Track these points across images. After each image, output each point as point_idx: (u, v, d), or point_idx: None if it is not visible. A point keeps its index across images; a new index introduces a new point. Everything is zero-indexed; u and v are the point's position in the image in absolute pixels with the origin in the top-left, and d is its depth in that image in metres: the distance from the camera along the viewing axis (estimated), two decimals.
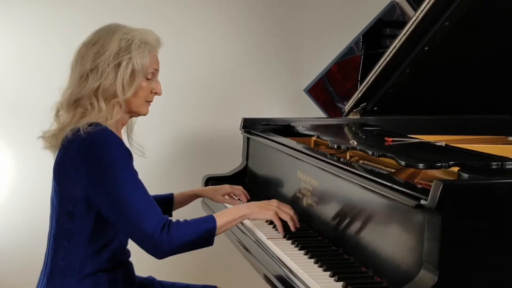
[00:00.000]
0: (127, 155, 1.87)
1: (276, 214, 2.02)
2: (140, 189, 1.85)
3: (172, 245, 1.83)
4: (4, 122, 3.36)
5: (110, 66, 1.88)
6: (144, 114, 2.01)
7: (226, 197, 2.48)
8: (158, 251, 1.84)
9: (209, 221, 1.91)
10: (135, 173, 1.87)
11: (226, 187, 2.50)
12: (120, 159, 1.83)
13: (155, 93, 2.01)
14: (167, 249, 1.83)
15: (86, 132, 1.83)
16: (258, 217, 2.04)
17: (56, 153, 1.95)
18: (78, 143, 1.84)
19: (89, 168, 1.83)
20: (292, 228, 2.03)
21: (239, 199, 2.51)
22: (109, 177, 1.81)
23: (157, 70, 2.00)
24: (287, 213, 2.04)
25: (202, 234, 1.88)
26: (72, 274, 1.88)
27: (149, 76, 1.97)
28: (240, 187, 2.51)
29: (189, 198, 2.46)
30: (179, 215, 2.81)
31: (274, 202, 2.06)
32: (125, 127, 2.06)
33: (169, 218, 1.87)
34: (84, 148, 1.83)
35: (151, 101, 2.01)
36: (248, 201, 2.48)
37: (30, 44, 3.33)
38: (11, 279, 3.39)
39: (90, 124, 1.85)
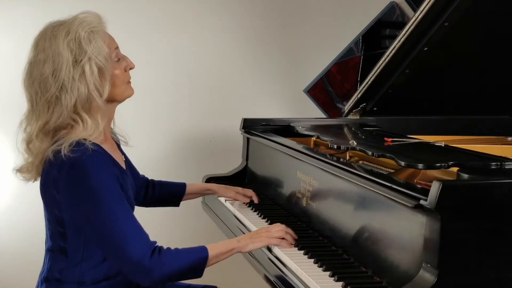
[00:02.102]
0: (113, 177, 1.77)
1: (269, 238, 1.95)
2: (125, 215, 1.74)
3: (163, 271, 1.74)
4: (6, 124, 3.35)
5: (76, 78, 1.74)
6: (131, 95, 1.90)
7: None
8: (148, 277, 1.74)
9: (202, 250, 1.82)
10: (120, 197, 1.76)
11: (239, 189, 2.50)
12: (102, 185, 1.72)
13: (130, 68, 1.89)
14: (157, 275, 1.74)
15: (67, 156, 1.71)
16: (252, 248, 1.93)
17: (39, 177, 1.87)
18: (58, 166, 1.74)
19: (72, 195, 1.74)
20: (292, 241, 1.98)
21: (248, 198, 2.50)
22: (92, 205, 1.72)
23: (117, 48, 1.87)
24: (279, 230, 1.97)
25: (193, 263, 1.79)
26: (70, 283, 1.84)
27: (116, 59, 1.84)
28: (250, 190, 2.50)
29: (200, 190, 2.46)
30: (180, 213, 2.82)
31: (262, 229, 1.98)
32: None
33: (156, 243, 1.78)
34: (64, 173, 1.73)
35: (130, 79, 1.89)
36: (250, 202, 2.48)
37: (30, 44, 3.33)
38: (13, 279, 3.39)
39: (71, 144, 1.73)
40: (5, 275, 3.41)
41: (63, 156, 1.72)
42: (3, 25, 3.32)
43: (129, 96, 1.90)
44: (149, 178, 2.36)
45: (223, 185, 2.52)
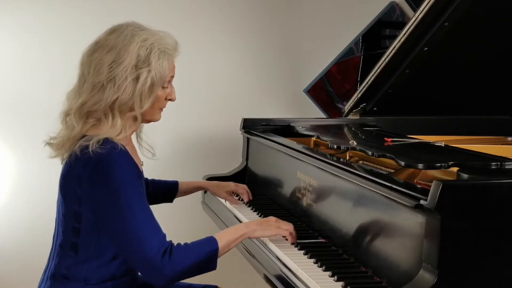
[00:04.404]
0: (135, 176, 1.81)
1: (279, 228, 1.97)
2: (144, 213, 1.77)
3: (175, 270, 1.75)
4: (5, 123, 3.36)
5: (128, 80, 1.79)
6: (157, 120, 1.95)
7: (228, 194, 2.50)
8: (160, 277, 1.75)
9: (211, 242, 1.83)
10: (141, 195, 1.80)
11: (231, 185, 2.52)
12: (126, 181, 1.76)
13: (169, 99, 1.94)
14: (169, 274, 1.75)
15: (95, 152, 1.75)
16: (260, 235, 1.96)
17: (63, 163, 1.89)
18: (85, 162, 1.77)
19: (94, 189, 1.77)
20: (292, 241, 2.00)
21: (240, 199, 2.52)
22: (113, 199, 1.75)
23: (173, 77, 1.92)
24: (288, 225, 2.00)
25: (205, 257, 1.80)
26: (76, 281, 1.85)
27: (166, 85, 1.90)
28: (244, 186, 2.53)
29: (193, 188, 2.48)
30: (180, 213, 2.82)
31: (272, 218, 2.01)
32: None
33: (172, 242, 1.79)
34: (90, 168, 1.76)
35: (164, 107, 1.95)
36: (249, 201, 2.49)
37: (31, 44, 3.34)
38: (12, 278, 3.40)
39: (99, 141, 1.77)
40: (4, 273, 3.41)
41: (90, 152, 1.75)
42: (8, 26, 3.32)
43: (155, 121, 1.95)
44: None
45: (215, 182, 2.54)
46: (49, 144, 1.92)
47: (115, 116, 1.82)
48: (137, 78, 1.80)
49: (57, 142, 1.89)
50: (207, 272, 1.84)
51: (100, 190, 1.76)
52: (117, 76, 1.79)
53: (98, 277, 1.84)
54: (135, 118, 1.87)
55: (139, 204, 1.77)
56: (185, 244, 1.81)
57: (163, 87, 1.89)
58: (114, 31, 1.86)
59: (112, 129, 1.81)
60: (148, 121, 1.95)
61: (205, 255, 1.81)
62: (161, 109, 1.94)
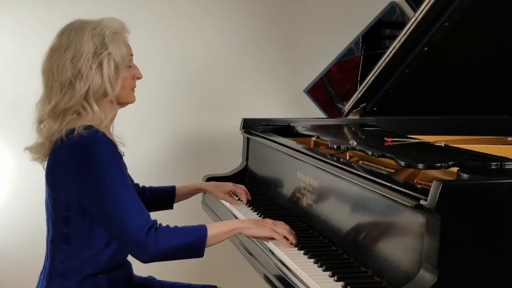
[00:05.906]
0: (118, 158, 1.85)
1: (274, 231, 1.97)
2: (128, 192, 1.81)
3: (158, 247, 1.78)
4: (5, 123, 3.36)
5: (93, 68, 1.85)
6: (133, 102, 2.00)
7: (227, 195, 2.50)
8: (143, 253, 1.79)
9: (201, 229, 1.86)
10: (124, 176, 1.84)
11: (229, 185, 2.52)
12: (109, 161, 1.80)
13: (137, 78, 2.00)
14: (153, 251, 1.78)
15: (80, 134, 1.80)
16: (254, 234, 1.97)
17: (47, 159, 1.92)
18: (69, 146, 1.81)
19: (79, 170, 1.80)
20: (293, 241, 1.99)
21: (239, 199, 2.52)
22: (97, 180, 1.78)
23: (132, 55, 1.98)
24: (283, 228, 2.00)
25: (191, 241, 1.83)
26: (71, 276, 1.87)
27: (129, 64, 1.96)
28: (242, 186, 2.53)
29: (191, 191, 2.48)
30: (180, 213, 2.83)
31: (268, 220, 2.02)
32: None
33: (157, 221, 1.83)
34: (74, 151, 1.80)
35: (135, 87, 2.01)
36: (249, 201, 2.49)
37: (31, 44, 3.34)
38: (12, 279, 3.40)
39: (83, 126, 1.82)
40: (4, 273, 3.41)
41: (75, 136, 1.80)
42: (8, 26, 3.32)
43: (130, 102, 2.00)
44: (141, 185, 2.37)
45: (213, 184, 2.54)
46: (29, 148, 1.96)
47: (92, 105, 1.87)
48: (100, 64, 1.86)
49: (35, 146, 1.93)
50: (194, 258, 1.86)
51: (84, 172, 1.80)
52: (81, 68, 1.85)
53: (92, 268, 1.87)
54: (111, 102, 1.92)
55: (123, 184, 1.81)
56: (175, 226, 1.85)
57: (128, 67, 1.95)
58: (63, 31, 1.92)
59: (93, 116, 1.86)
60: (125, 104, 1.99)
61: (192, 240, 1.84)
62: (132, 90, 1.99)
